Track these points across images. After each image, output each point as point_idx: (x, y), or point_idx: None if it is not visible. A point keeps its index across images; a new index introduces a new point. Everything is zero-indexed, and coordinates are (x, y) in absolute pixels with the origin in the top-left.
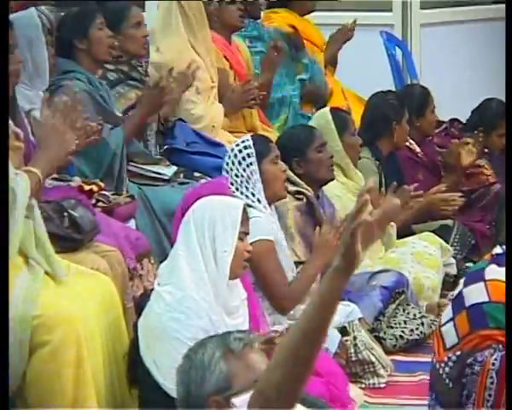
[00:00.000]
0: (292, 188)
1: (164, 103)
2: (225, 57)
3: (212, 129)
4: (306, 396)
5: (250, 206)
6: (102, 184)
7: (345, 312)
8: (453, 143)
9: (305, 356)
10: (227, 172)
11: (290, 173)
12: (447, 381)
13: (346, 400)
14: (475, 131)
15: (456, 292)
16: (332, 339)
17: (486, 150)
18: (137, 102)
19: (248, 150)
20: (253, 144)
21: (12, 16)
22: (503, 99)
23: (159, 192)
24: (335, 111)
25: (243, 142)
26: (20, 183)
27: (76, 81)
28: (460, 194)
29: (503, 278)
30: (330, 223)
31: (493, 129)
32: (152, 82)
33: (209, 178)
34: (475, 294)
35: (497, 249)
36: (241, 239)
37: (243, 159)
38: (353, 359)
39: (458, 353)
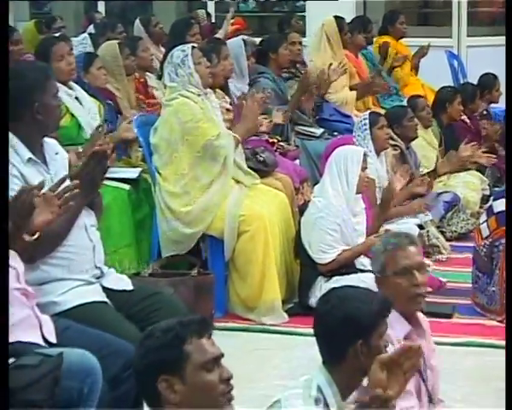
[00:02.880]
0: (391, 142)
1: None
2: (354, 66)
3: (345, 103)
4: None
5: (366, 155)
6: (280, 138)
7: (422, 216)
8: (495, 125)
9: None
10: (355, 134)
11: (391, 133)
12: (484, 257)
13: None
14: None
15: (488, 205)
16: (414, 232)
17: None
18: (296, 89)
19: (365, 121)
20: (369, 117)
21: (228, 41)
22: None
23: (313, 144)
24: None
25: (363, 116)
26: (230, 141)
27: (266, 80)
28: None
29: None
30: None
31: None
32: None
33: (342, 136)
34: (500, 205)
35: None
36: (362, 170)
37: (360, 127)
38: (427, 243)
39: (490, 240)
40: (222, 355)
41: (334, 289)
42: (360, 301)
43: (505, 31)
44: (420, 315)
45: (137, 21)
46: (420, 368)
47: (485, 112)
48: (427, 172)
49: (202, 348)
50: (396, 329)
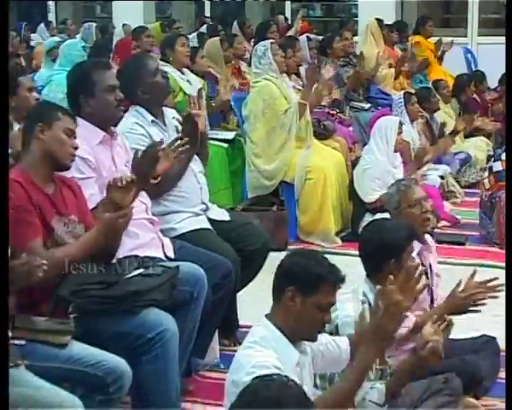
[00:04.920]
0: (419, 114)
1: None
2: (392, 57)
3: (384, 81)
4: None
5: (402, 123)
6: (338, 111)
7: (443, 169)
8: (496, 103)
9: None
10: (394, 108)
11: (419, 108)
12: (486, 203)
13: (442, 208)
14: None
15: (489, 164)
16: (436, 181)
17: None
18: (351, 77)
19: (401, 99)
20: (403, 97)
21: (301, 37)
22: None
23: (362, 115)
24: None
25: (399, 95)
26: (295, 115)
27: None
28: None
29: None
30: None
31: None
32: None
33: (383, 109)
34: (497, 166)
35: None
36: (398, 134)
37: (397, 103)
38: (446, 190)
39: (490, 192)
40: (334, 304)
41: (373, 220)
42: (391, 230)
43: (505, 31)
44: (427, 236)
45: (235, 23)
46: (428, 281)
47: (498, 89)
48: (449, 133)
49: (329, 293)
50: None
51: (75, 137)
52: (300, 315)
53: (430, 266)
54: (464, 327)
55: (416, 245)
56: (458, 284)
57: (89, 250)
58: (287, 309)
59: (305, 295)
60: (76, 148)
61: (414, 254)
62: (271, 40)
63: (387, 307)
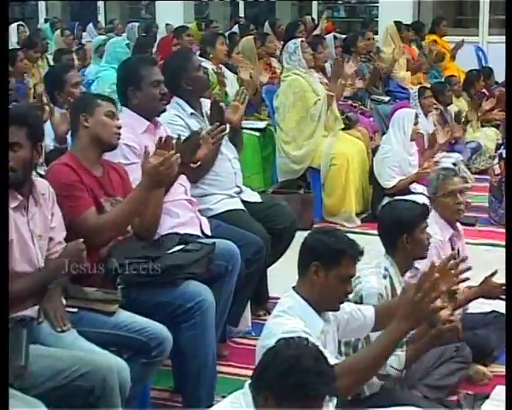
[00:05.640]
0: (434, 106)
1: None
2: (409, 53)
3: (403, 79)
4: None
5: (417, 114)
6: (360, 103)
7: (455, 157)
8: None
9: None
10: (410, 101)
11: (434, 100)
12: (496, 187)
13: None
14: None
15: (499, 151)
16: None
17: None
18: (370, 73)
19: (416, 92)
20: (418, 91)
21: (327, 36)
22: None
23: (382, 107)
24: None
25: (415, 89)
26: (324, 106)
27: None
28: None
29: None
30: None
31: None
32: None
33: (401, 102)
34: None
35: None
36: (414, 125)
37: (413, 97)
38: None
39: (500, 177)
40: (354, 276)
41: (389, 202)
42: (404, 209)
43: (505, 31)
44: (458, 224)
45: (266, 23)
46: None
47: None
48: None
49: (350, 266)
50: (444, 232)
51: (117, 119)
52: (324, 287)
53: (458, 251)
54: (477, 303)
55: (448, 231)
56: (493, 274)
57: (137, 205)
58: (312, 282)
59: (327, 269)
60: (119, 127)
61: (446, 240)
62: (302, 39)
63: (428, 288)
